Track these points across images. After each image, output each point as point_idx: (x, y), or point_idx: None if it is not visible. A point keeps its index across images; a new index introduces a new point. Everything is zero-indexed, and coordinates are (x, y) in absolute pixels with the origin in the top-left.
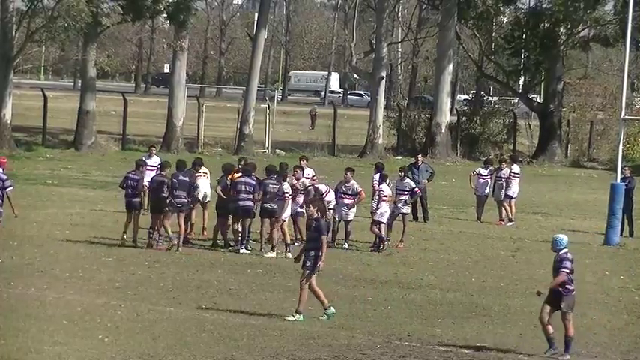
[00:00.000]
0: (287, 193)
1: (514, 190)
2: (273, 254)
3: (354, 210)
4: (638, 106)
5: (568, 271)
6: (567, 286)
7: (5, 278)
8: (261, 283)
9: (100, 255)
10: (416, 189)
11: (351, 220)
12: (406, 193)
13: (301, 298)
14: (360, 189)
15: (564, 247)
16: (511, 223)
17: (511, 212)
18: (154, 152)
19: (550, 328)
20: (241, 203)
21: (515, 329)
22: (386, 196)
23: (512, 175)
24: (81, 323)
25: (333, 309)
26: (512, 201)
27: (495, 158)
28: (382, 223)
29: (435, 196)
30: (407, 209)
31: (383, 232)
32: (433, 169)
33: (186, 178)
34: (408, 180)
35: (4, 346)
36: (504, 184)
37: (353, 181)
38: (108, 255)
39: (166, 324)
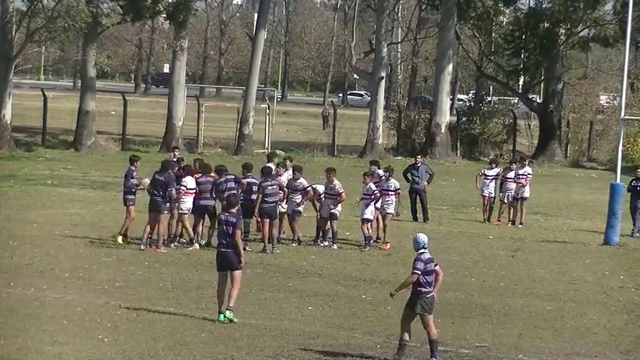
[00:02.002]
0: (184, 186)
1: (528, 190)
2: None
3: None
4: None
5: (419, 272)
6: (420, 288)
7: (5, 278)
8: (261, 283)
9: (100, 255)
10: (399, 190)
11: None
12: (390, 193)
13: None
14: (341, 190)
15: (422, 248)
16: (521, 226)
17: (523, 215)
18: (177, 153)
19: (406, 335)
20: (203, 202)
21: (515, 329)
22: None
23: (528, 175)
24: (81, 323)
25: (229, 314)
26: (525, 202)
27: (497, 158)
28: (370, 221)
29: (434, 197)
30: (392, 209)
31: (370, 231)
32: (432, 170)
33: (162, 178)
34: (392, 180)
35: (4, 346)
36: (514, 185)
37: (301, 179)
38: (108, 255)
39: (166, 324)
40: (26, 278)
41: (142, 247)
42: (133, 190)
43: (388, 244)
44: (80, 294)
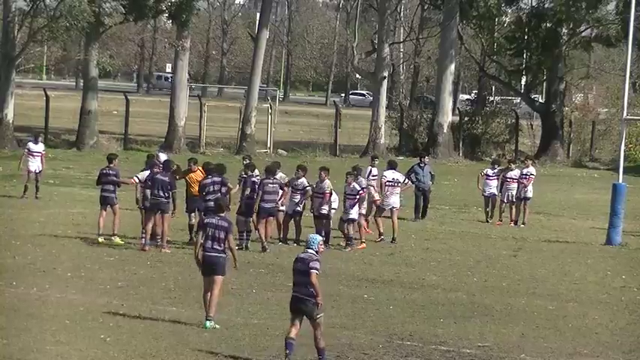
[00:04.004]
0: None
1: (531, 190)
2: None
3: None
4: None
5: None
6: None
7: (7, 278)
8: (262, 283)
9: (102, 255)
10: (362, 191)
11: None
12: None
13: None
14: (327, 190)
15: (307, 247)
16: (523, 226)
17: (525, 215)
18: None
19: (292, 331)
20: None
21: (517, 329)
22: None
23: (531, 175)
24: (83, 323)
25: (210, 324)
26: (529, 202)
27: (499, 158)
28: (355, 221)
29: (437, 196)
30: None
31: (352, 232)
32: (434, 171)
33: (166, 178)
34: (361, 179)
35: (6, 345)
36: (515, 184)
37: (303, 179)
38: (110, 255)
39: (168, 324)
40: (28, 278)
41: (146, 247)
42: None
43: (364, 245)
44: (82, 293)
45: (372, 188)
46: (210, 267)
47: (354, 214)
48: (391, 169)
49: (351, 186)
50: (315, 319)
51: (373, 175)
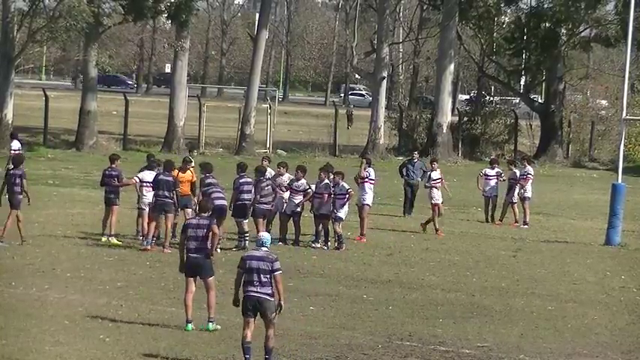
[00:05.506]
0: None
1: (530, 190)
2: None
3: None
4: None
5: (239, 269)
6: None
7: (7, 278)
8: None
9: (102, 255)
10: (350, 190)
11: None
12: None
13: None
14: (325, 190)
15: (259, 245)
16: (525, 226)
17: (527, 215)
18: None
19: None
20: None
21: (517, 329)
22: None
23: (528, 175)
24: (82, 323)
25: (212, 325)
26: (528, 202)
27: (497, 157)
28: (343, 220)
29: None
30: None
31: (341, 230)
32: (427, 167)
33: (170, 178)
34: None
35: (5, 346)
36: (514, 185)
37: (303, 180)
38: (109, 255)
39: (167, 324)
40: (28, 278)
41: (149, 247)
42: (119, 189)
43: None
44: (81, 294)
45: (434, 190)
46: (194, 269)
47: (342, 213)
48: (370, 166)
49: (340, 185)
50: (271, 319)
51: (434, 179)
